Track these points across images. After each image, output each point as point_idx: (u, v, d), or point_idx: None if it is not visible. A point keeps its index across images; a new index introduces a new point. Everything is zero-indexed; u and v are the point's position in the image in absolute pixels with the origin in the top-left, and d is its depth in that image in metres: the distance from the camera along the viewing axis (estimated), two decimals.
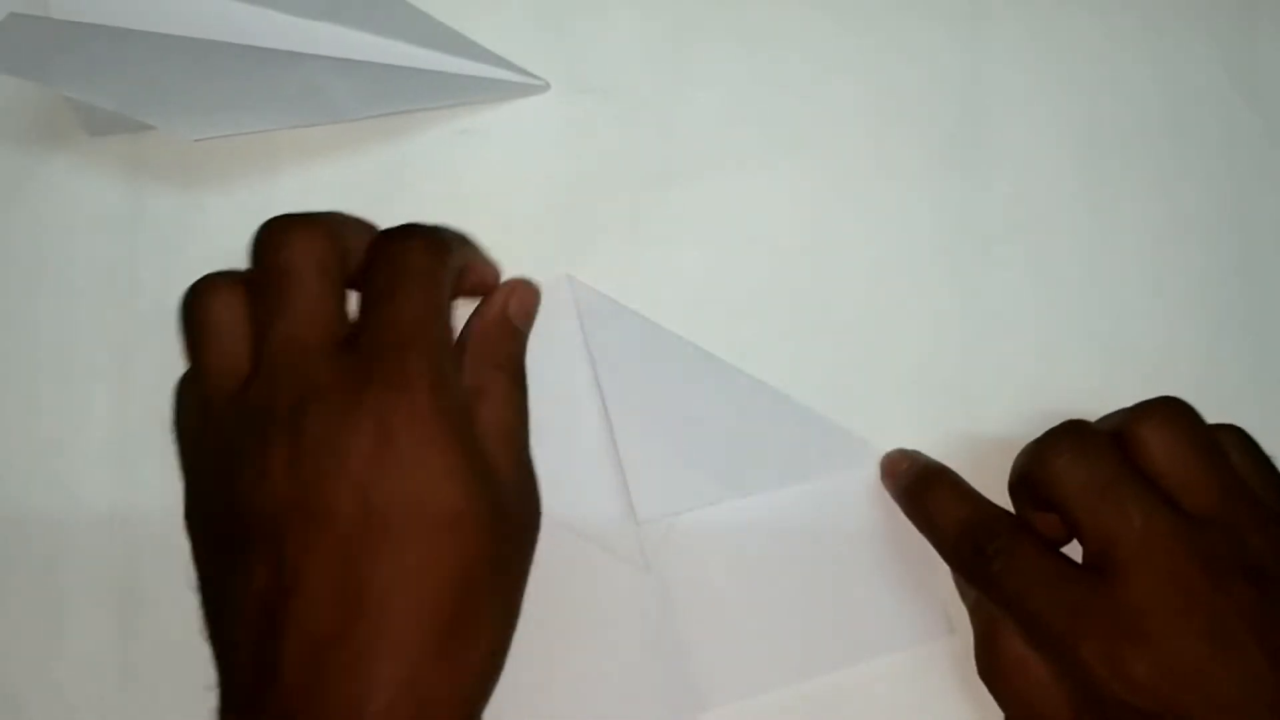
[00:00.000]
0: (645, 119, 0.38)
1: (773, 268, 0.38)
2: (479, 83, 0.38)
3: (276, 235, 0.29)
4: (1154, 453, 0.29)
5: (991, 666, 0.31)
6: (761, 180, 0.38)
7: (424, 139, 0.38)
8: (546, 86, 0.38)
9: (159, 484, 0.30)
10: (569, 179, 0.38)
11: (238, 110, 0.36)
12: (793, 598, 0.35)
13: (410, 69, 0.37)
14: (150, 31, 0.35)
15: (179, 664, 0.28)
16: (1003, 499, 0.32)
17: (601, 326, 0.36)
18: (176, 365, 0.30)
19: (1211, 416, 0.30)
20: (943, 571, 0.33)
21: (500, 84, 0.38)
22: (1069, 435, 0.30)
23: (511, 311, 0.33)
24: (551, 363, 0.34)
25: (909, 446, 0.36)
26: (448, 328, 0.29)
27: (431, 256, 0.29)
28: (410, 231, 0.30)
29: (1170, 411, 0.30)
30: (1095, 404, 0.32)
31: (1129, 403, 0.31)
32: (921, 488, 0.34)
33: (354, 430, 0.27)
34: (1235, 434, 0.31)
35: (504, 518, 0.28)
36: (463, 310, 0.33)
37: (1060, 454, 0.29)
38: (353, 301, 0.30)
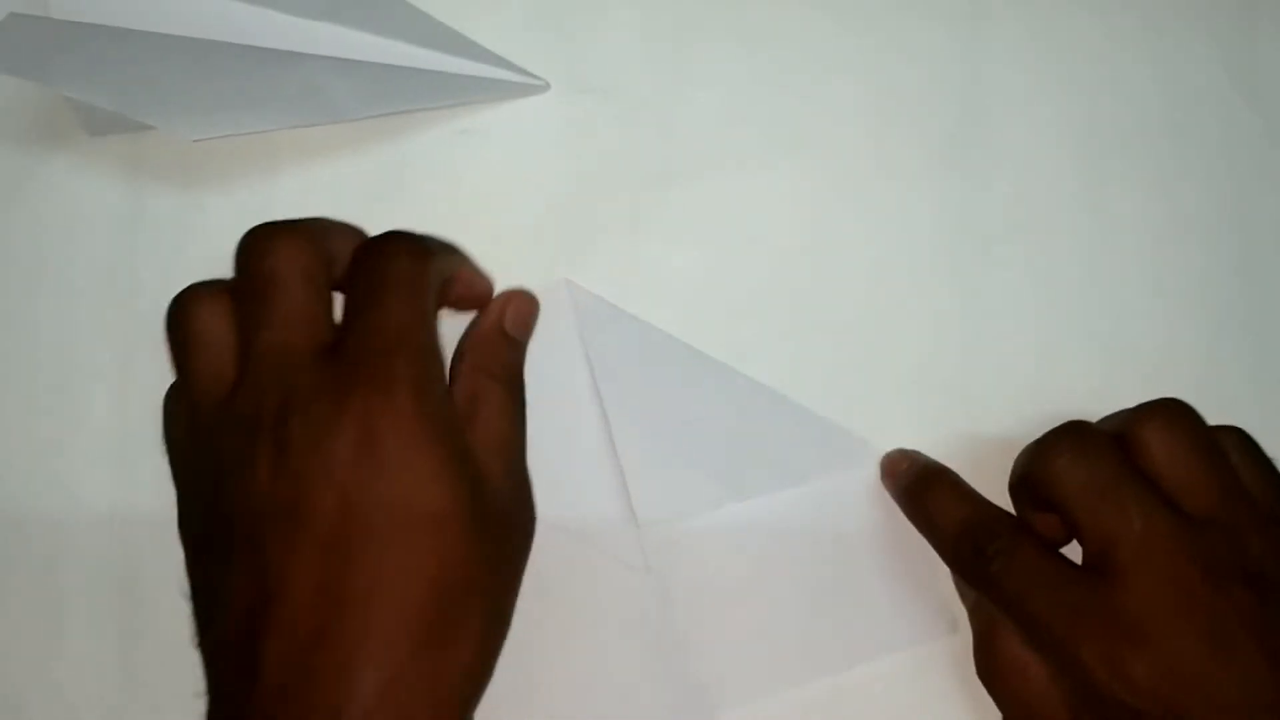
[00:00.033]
0: (645, 119, 0.38)
1: (773, 268, 0.38)
2: (479, 83, 0.38)
3: (260, 243, 0.29)
4: (1155, 454, 0.29)
5: (990, 667, 0.31)
6: (761, 180, 0.38)
7: (424, 139, 0.38)
8: (546, 86, 0.38)
9: (159, 484, 0.30)
10: (569, 179, 0.38)
11: (238, 110, 0.36)
12: (795, 599, 0.35)
13: (410, 69, 0.37)
14: (150, 31, 0.35)
15: (179, 664, 0.28)
16: (1003, 499, 0.32)
17: (600, 331, 0.36)
18: None
19: (1212, 416, 0.30)
20: (944, 570, 0.33)
21: (500, 84, 0.38)
22: (1070, 436, 0.30)
23: (508, 321, 0.33)
24: (550, 368, 0.34)
25: (909, 446, 0.36)
26: (433, 333, 0.29)
27: (414, 263, 0.29)
28: (393, 238, 0.30)
29: (1171, 413, 0.30)
30: (1095, 404, 0.32)
31: (1129, 403, 0.31)
32: (921, 488, 0.34)
33: (337, 433, 0.26)
34: (1236, 435, 0.31)
35: (491, 522, 0.28)
36: (459, 322, 0.33)
37: (1061, 454, 0.29)
38: (339, 306, 0.30)
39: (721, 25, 0.39)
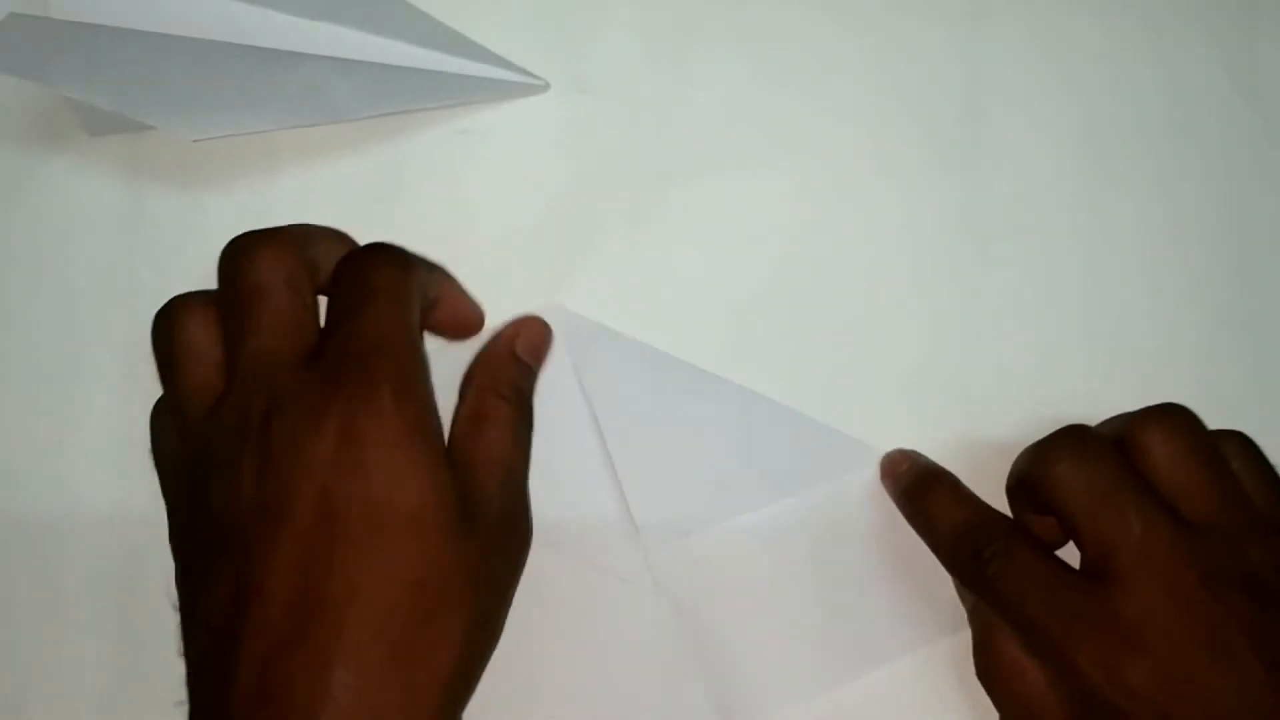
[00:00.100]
0: (645, 119, 0.38)
1: (773, 268, 0.38)
2: (479, 83, 0.38)
3: (243, 253, 0.29)
4: (1155, 459, 0.29)
5: (989, 669, 0.31)
6: (761, 180, 0.38)
7: (424, 139, 0.38)
8: (546, 86, 0.38)
9: (159, 484, 0.30)
10: (569, 179, 0.38)
11: (238, 110, 0.36)
12: (806, 608, 0.35)
13: (410, 69, 0.37)
14: (150, 31, 0.35)
15: (179, 664, 0.28)
16: (1001, 501, 0.32)
17: (592, 354, 0.36)
18: None
19: (1212, 417, 0.30)
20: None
21: (500, 84, 0.38)
22: (1070, 440, 0.30)
23: (520, 345, 0.33)
24: (544, 394, 0.34)
25: (909, 447, 0.36)
26: (415, 339, 0.29)
27: (398, 272, 0.29)
28: (377, 249, 0.30)
29: (1172, 418, 0.30)
30: (1095, 404, 0.32)
31: (1129, 403, 0.31)
32: (920, 490, 0.34)
33: (318, 435, 0.27)
34: (1238, 441, 0.31)
35: (478, 532, 0.28)
36: (465, 350, 0.33)
37: (1061, 458, 0.29)
38: (324, 311, 0.30)
39: (721, 25, 0.39)
